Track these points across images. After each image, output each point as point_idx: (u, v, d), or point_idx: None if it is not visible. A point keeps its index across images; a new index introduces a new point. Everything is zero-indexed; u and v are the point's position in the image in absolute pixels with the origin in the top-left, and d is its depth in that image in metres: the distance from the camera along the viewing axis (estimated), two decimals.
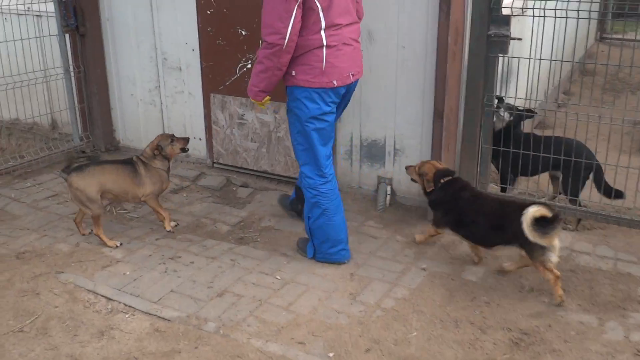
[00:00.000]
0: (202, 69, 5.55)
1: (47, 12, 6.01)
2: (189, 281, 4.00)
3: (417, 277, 4.02)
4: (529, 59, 4.25)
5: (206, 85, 5.57)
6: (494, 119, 4.56)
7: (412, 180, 4.41)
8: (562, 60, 4.32)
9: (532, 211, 3.53)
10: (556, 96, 7.26)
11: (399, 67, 4.68)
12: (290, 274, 4.07)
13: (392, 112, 4.82)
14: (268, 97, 3.92)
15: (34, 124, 6.69)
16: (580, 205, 4.56)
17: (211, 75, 5.50)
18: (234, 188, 5.47)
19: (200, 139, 5.82)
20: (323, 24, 3.70)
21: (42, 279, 4.02)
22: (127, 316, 3.66)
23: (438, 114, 4.47)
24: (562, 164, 4.52)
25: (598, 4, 7.92)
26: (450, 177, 4.16)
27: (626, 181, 4.40)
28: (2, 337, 3.48)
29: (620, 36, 10.18)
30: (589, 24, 4.51)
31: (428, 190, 4.21)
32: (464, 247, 4.32)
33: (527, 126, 5.32)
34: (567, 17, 4.07)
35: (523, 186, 5.09)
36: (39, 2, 5.92)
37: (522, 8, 4.21)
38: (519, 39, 4.26)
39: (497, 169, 4.96)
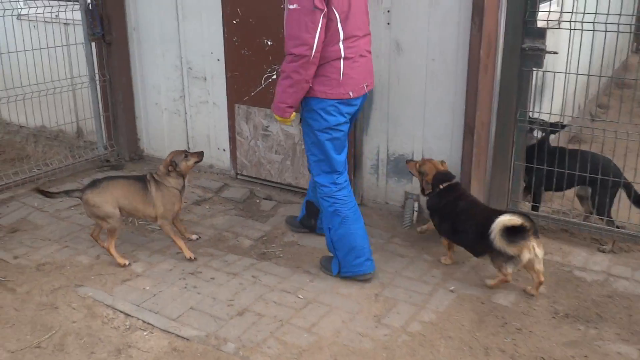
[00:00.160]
0: (227, 79, 5.47)
1: (73, 20, 5.99)
2: (209, 298, 3.90)
3: (445, 299, 3.87)
4: (566, 73, 4.08)
5: (231, 96, 5.49)
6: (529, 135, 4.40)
7: (411, 173, 4.49)
8: (600, 76, 4.13)
9: (504, 219, 3.64)
10: (591, 110, 7.05)
11: (428, 80, 4.54)
12: (313, 293, 3.95)
13: (421, 126, 4.68)
14: (294, 113, 3.85)
15: (59, 132, 6.67)
16: (617, 226, 4.36)
17: (236, 86, 5.41)
18: (258, 200, 5.38)
19: (224, 150, 5.75)
20: (342, 35, 3.68)
21: (61, 293, 3.96)
22: (145, 334, 3.57)
23: (469, 129, 4.32)
24: (590, 179, 4.35)
25: (633, 16, 7.68)
26: (449, 183, 4.19)
27: None
28: (19, 352, 3.41)
29: None
30: (630, 37, 4.31)
31: (426, 192, 4.28)
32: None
33: (558, 140, 5.14)
34: (606, 31, 3.89)
35: (557, 205, 4.89)
36: (65, 10, 5.89)
37: (558, 20, 4.03)
38: (555, 53, 4.09)
39: (527, 186, 4.77)
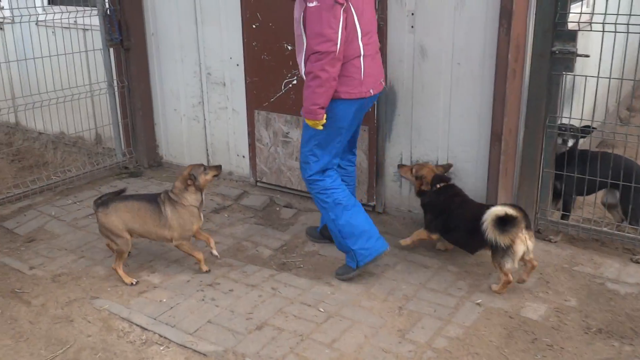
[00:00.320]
0: (246, 84, 5.37)
1: (91, 25, 5.94)
2: (228, 311, 3.79)
3: (472, 313, 3.72)
4: (597, 77, 3.91)
5: (250, 102, 5.39)
6: (559, 142, 4.24)
7: (402, 177, 4.52)
8: (634, 80, 3.95)
9: (495, 210, 3.68)
10: (620, 113, 6.85)
11: (453, 85, 4.40)
12: (335, 306, 3.82)
13: (445, 132, 4.55)
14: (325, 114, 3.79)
15: (78, 139, 6.63)
16: None
17: (255, 91, 5.31)
18: (277, 208, 5.27)
19: (243, 157, 5.65)
20: (359, 32, 3.66)
21: (77, 305, 3.88)
22: (161, 348, 3.47)
23: (496, 136, 4.17)
24: (618, 181, 4.21)
25: None
26: (446, 183, 4.24)
27: None
28: None
29: None
30: None
31: (424, 192, 4.29)
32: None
33: (585, 144, 4.97)
34: None
35: (587, 213, 4.71)
36: (84, 16, 5.84)
37: (590, 22, 3.87)
38: (587, 56, 3.92)
39: (555, 194, 4.59)
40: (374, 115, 4.74)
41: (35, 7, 6.35)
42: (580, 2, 4.62)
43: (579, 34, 3.97)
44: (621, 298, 3.83)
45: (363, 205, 4.99)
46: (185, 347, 3.47)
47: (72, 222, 5.06)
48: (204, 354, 3.39)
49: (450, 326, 3.60)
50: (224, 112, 5.66)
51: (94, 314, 3.79)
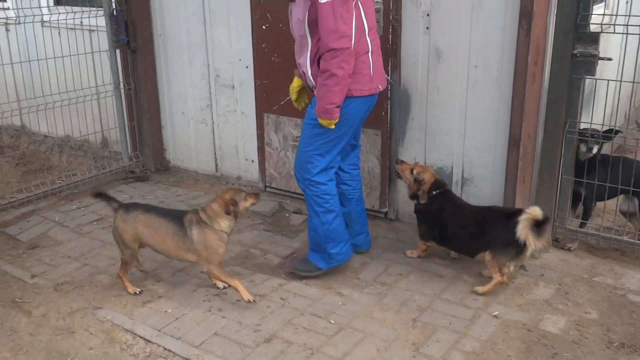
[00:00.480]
0: (255, 87, 5.25)
1: (97, 26, 5.83)
2: (235, 322, 3.65)
3: (489, 326, 3.57)
4: (620, 81, 3.76)
5: (260, 105, 5.27)
6: (583, 149, 4.12)
7: (396, 174, 4.29)
8: None
9: (535, 212, 3.62)
10: (638, 118, 6.68)
11: (470, 88, 4.26)
12: (346, 318, 3.68)
13: (461, 137, 4.41)
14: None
15: (84, 142, 6.53)
16: None
17: (265, 94, 5.18)
18: (287, 214, 5.13)
19: (252, 161, 5.52)
20: (366, 27, 3.59)
21: (79, 315, 3.75)
22: None
23: (514, 141, 4.03)
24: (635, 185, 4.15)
25: None
26: (443, 189, 4.15)
27: None
28: None
29: None
30: None
31: (421, 202, 4.16)
32: (540, 290, 3.90)
33: (612, 148, 4.83)
34: None
35: (607, 222, 4.55)
36: (89, 17, 5.73)
37: (613, 24, 3.71)
38: (609, 59, 3.77)
39: (574, 200, 4.44)
40: (387, 119, 4.60)
41: (40, 7, 6.24)
42: (602, 3, 4.46)
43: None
44: None
45: (375, 211, 4.89)
46: None
47: (76, 228, 4.94)
48: None
49: (467, 339, 3.45)
50: (232, 115, 5.53)
51: (96, 325, 3.66)
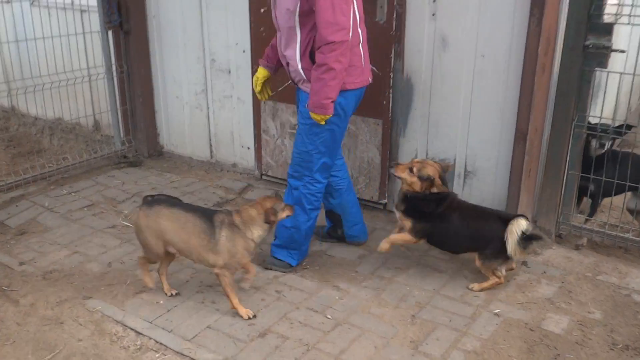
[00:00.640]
0: (253, 72, 5.09)
1: (88, 6, 5.66)
2: (228, 316, 3.53)
3: (490, 324, 3.47)
4: (633, 74, 3.64)
5: None
6: (594, 144, 4.03)
7: (395, 176, 3.85)
8: None
9: (522, 224, 3.58)
10: None
11: (475, 79, 4.15)
12: (343, 313, 3.57)
13: (465, 129, 4.31)
14: None
15: (76, 125, 6.39)
16: None
17: None
18: None
19: (248, 148, 5.40)
20: (358, 18, 3.49)
21: (68, 305, 3.62)
22: (157, 355, 3.23)
23: (520, 135, 3.92)
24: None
25: None
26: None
27: None
28: None
29: None
30: None
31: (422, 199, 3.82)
32: (542, 288, 3.80)
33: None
34: None
35: (613, 219, 4.45)
36: None
37: (629, 15, 3.58)
38: (623, 51, 3.64)
39: (582, 195, 4.34)
40: (389, 108, 4.48)
41: None
42: None
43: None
44: None
45: (374, 203, 4.78)
46: (183, 354, 3.22)
47: (66, 214, 4.81)
48: None
49: (467, 338, 3.35)
50: (228, 100, 5.40)
51: (85, 315, 3.54)
